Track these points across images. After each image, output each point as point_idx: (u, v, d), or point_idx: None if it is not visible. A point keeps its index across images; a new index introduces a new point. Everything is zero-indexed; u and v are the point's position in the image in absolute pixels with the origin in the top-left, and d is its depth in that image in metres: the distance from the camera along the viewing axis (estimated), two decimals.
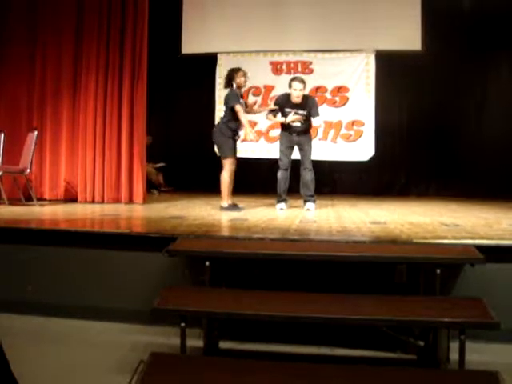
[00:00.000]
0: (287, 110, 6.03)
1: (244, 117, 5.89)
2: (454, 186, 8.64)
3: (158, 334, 3.65)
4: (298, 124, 6.08)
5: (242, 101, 5.98)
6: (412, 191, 8.97)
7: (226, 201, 6.02)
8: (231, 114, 5.90)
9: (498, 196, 7.64)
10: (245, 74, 5.97)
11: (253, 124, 8.55)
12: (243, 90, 6.24)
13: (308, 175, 6.13)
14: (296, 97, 5.97)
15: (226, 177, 5.96)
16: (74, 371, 3.06)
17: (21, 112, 7.01)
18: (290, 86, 6.04)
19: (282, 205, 6.21)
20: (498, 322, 2.75)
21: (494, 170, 8.29)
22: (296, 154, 6.26)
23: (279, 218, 5.42)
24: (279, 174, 6.20)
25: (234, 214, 5.60)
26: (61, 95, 6.93)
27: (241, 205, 6.17)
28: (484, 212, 6.00)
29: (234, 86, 5.92)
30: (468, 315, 2.87)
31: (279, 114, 6.13)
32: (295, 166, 6.27)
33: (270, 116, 6.27)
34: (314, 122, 6.14)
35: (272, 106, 6.26)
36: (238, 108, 5.82)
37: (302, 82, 6.03)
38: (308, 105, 6.06)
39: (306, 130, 6.17)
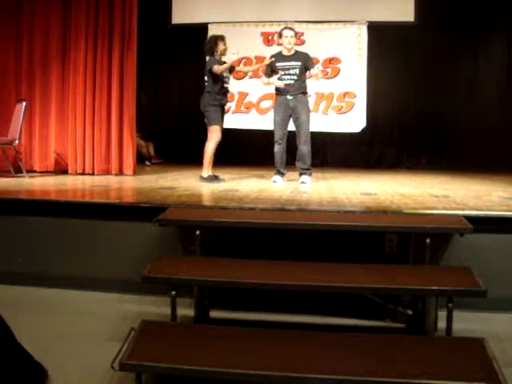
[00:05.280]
0: (278, 64, 5.88)
1: (226, 65, 5.75)
2: (445, 160, 8.67)
3: (149, 303, 3.68)
4: (291, 81, 5.85)
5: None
6: (403, 164, 8.99)
7: (206, 171, 5.91)
8: (212, 80, 5.77)
9: (490, 169, 7.64)
10: (225, 42, 5.90)
11: (244, 95, 8.52)
12: (223, 58, 5.95)
13: (304, 148, 5.87)
14: (288, 44, 5.89)
15: (211, 146, 5.84)
16: (64, 340, 3.07)
17: (9, 82, 6.87)
18: (280, 36, 6.07)
19: (277, 177, 6.01)
20: (485, 289, 2.79)
21: (487, 144, 8.27)
22: (292, 126, 6.04)
23: (270, 188, 5.41)
24: (275, 148, 5.97)
25: (216, 186, 5.53)
26: (49, 65, 6.79)
27: (221, 176, 6.06)
28: (475, 184, 6.01)
29: (216, 54, 5.82)
30: (456, 283, 2.90)
31: (273, 77, 5.92)
32: (291, 137, 6.10)
33: (265, 79, 6.09)
34: (313, 71, 5.96)
35: (267, 61, 6.03)
36: (216, 68, 5.67)
37: (292, 29, 5.98)
38: (300, 56, 5.93)
39: (300, 91, 5.90)
